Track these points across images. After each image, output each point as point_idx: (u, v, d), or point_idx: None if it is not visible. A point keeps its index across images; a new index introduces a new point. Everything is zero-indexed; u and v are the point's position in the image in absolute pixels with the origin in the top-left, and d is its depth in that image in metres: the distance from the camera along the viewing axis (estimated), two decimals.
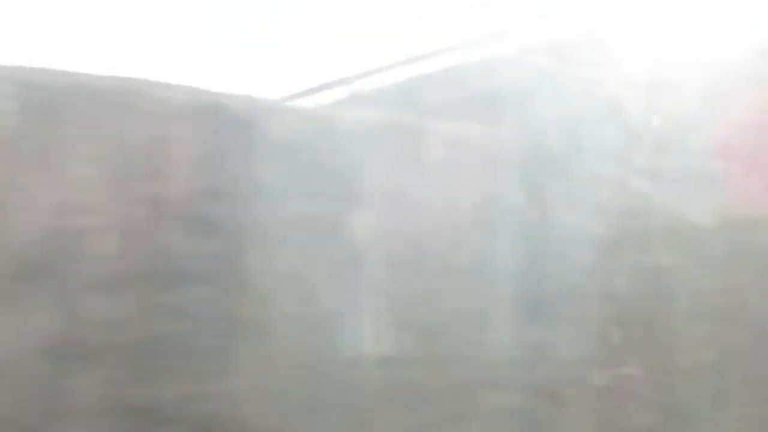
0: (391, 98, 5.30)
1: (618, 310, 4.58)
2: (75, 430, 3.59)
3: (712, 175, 4.39)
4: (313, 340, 4.07)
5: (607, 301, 4.58)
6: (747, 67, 4.25)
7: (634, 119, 4.47)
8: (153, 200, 3.89)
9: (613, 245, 4.63)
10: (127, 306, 3.78)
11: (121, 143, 3.86)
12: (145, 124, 3.90)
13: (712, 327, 4.54)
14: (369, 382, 4.13)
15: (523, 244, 4.52)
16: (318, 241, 4.17)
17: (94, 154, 3.80)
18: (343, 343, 4.12)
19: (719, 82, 4.28)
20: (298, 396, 4.00)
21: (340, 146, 4.20)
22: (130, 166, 3.86)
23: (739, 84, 4.28)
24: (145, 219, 3.86)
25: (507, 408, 4.39)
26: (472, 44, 5.05)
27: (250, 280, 4.01)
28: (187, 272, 3.89)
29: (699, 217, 4.54)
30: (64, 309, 3.66)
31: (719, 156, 4.39)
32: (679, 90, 4.37)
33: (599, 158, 4.51)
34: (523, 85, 4.64)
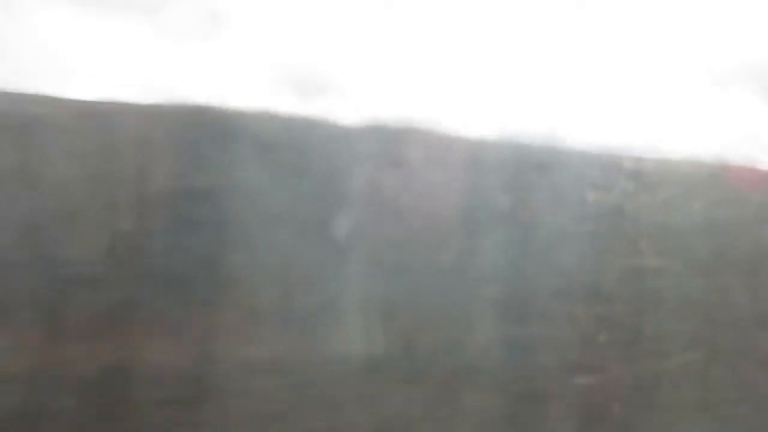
0: None
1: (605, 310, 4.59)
2: None
3: None
4: (295, 341, 4.10)
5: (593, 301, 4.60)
6: None
7: None
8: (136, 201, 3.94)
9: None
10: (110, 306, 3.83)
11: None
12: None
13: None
14: (350, 382, 4.16)
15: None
16: (300, 241, 4.20)
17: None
18: (325, 342, 4.15)
19: None
20: (280, 396, 4.03)
21: (321, 148, 4.23)
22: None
23: None
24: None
25: (490, 409, 4.40)
26: None
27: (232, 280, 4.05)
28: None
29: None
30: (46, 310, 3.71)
31: None
32: None
33: None
34: None
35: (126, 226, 3.94)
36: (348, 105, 4.85)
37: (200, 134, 4.20)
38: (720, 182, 5.12)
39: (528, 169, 4.67)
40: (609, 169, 4.81)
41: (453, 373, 4.36)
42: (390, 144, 4.54)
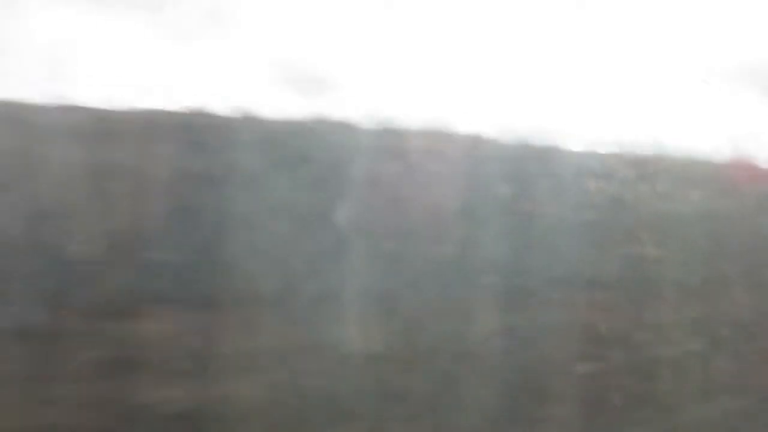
0: None
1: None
2: None
3: None
4: (296, 329, 4.12)
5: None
6: None
7: None
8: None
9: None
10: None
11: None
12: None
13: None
14: (350, 373, 4.17)
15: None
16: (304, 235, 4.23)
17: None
18: (327, 332, 4.17)
19: None
20: (280, 385, 4.05)
21: (323, 144, 4.27)
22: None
23: None
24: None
25: (490, 397, 4.41)
26: None
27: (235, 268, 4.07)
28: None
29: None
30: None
31: None
32: None
33: None
34: None
35: (129, 219, 3.97)
36: (350, 101, 4.89)
37: (205, 133, 4.23)
38: (719, 178, 5.15)
39: (529, 161, 4.70)
40: (609, 160, 4.84)
41: (454, 361, 4.38)
42: (392, 138, 4.56)
